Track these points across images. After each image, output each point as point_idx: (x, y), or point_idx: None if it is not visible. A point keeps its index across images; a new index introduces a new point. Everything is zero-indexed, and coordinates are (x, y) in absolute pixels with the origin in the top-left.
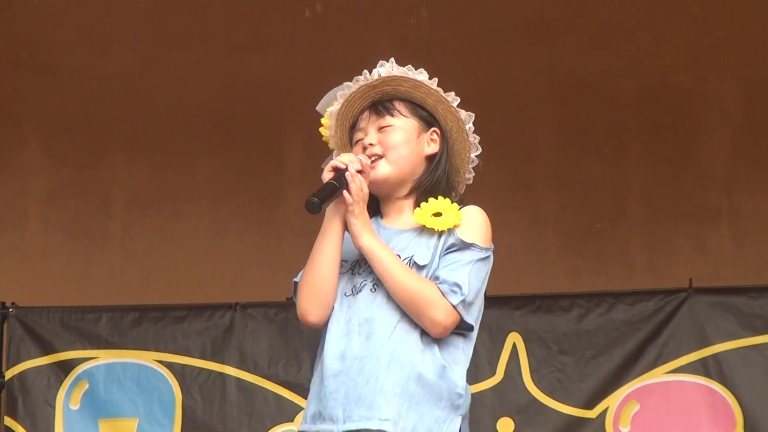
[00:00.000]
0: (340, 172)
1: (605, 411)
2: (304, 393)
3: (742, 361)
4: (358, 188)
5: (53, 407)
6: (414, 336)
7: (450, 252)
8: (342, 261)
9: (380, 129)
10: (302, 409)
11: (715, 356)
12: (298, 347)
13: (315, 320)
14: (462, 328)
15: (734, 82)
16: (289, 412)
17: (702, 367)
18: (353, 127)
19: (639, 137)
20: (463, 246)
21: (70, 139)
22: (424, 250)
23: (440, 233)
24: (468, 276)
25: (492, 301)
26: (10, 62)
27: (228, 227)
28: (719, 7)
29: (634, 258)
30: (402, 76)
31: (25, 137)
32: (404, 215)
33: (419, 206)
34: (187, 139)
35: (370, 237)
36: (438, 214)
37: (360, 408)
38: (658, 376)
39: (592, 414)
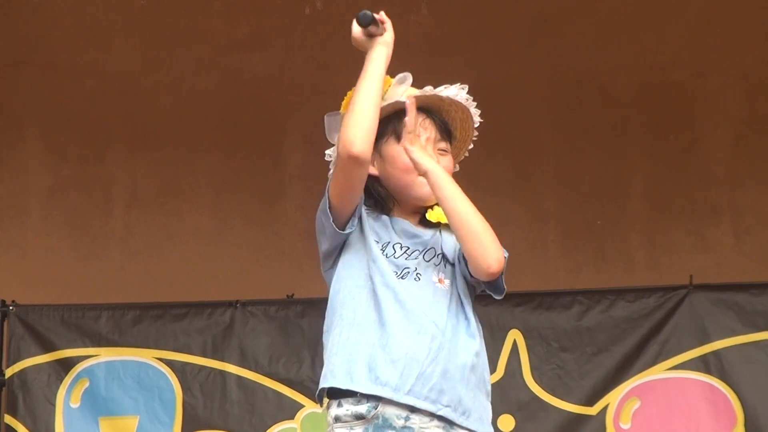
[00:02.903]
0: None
1: (606, 408)
2: (304, 390)
3: (742, 358)
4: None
5: (54, 405)
6: (463, 325)
7: None
8: (376, 240)
9: (439, 150)
10: (303, 406)
11: (715, 353)
12: (298, 345)
13: (358, 151)
14: (497, 287)
15: (734, 79)
16: (290, 410)
17: (702, 364)
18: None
19: (640, 134)
20: None
21: (71, 136)
22: (450, 249)
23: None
24: None
25: (492, 298)
26: (10, 59)
27: (228, 225)
28: (719, 4)
29: (635, 255)
30: (465, 106)
31: (26, 135)
32: (416, 219)
33: (431, 209)
34: (188, 136)
35: (432, 161)
36: None
37: (424, 387)
38: (658, 372)
39: (592, 411)
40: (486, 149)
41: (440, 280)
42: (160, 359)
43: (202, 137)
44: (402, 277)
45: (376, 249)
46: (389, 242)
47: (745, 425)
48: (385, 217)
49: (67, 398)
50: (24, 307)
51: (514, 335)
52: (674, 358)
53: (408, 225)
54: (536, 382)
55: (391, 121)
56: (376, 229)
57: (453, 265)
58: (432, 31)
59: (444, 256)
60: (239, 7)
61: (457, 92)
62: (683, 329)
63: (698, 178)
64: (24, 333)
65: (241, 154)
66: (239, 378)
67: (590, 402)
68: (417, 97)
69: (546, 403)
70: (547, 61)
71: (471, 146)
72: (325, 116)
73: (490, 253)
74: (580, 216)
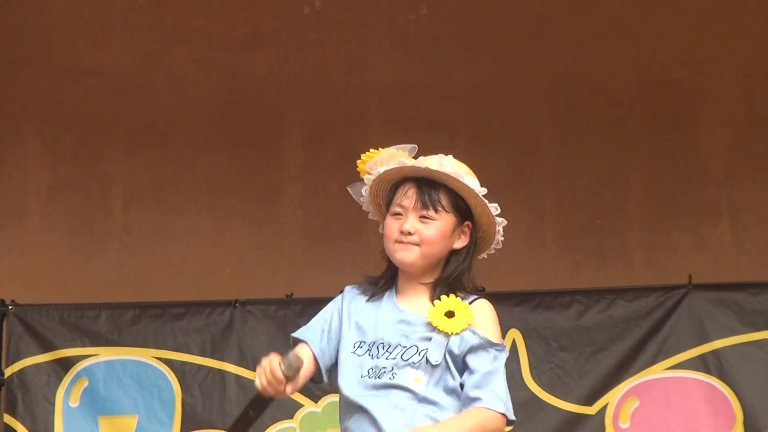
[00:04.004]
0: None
1: (605, 407)
2: (303, 390)
3: (741, 357)
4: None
5: (53, 404)
6: (430, 410)
7: (475, 353)
8: (359, 342)
9: (421, 218)
10: (302, 405)
11: (714, 352)
12: None
13: None
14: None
15: (733, 78)
16: (289, 410)
17: (701, 363)
18: (393, 186)
19: (638, 133)
20: (489, 345)
21: (69, 135)
22: (436, 348)
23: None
24: (503, 383)
25: (491, 297)
26: (9, 58)
27: (227, 224)
28: (718, 3)
29: (634, 254)
30: (453, 177)
31: (24, 134)
32: (419, 299)
33: (433, 303)
34: (187, 135)
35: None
36: (450, 313)
37: None
38: (657, 372)
39: (591, 410)
40: (485, 148)
41: (416, 379)
42: (159, 359)
43: (200, 136)
44: (378, 377)
45: (346, 353)
46: (374, 342)
47: (744, 424)
48: (381, 301)
49: (67, 398)
50: (23, 306)
51: (513, 335)
52: (673, 357)
53: (401, 311)
54: (535, 382)
55: (388, 191)
56: (361, 324)
57: (436, 366)
58: (431, 30)
59: (427, 359)
60: (238, 7)
61: (439, 166)
62: (682, 329)
63: (697, 177)
64: (23, 332)
65: (239, 154)
66: (238, 377)
67: (589, 401)
68: (410, 167)
69: (545, 402)
70: (546, 60)
71: (501, 226)
72: (348, 188)
73: None
74: (579, 215)
